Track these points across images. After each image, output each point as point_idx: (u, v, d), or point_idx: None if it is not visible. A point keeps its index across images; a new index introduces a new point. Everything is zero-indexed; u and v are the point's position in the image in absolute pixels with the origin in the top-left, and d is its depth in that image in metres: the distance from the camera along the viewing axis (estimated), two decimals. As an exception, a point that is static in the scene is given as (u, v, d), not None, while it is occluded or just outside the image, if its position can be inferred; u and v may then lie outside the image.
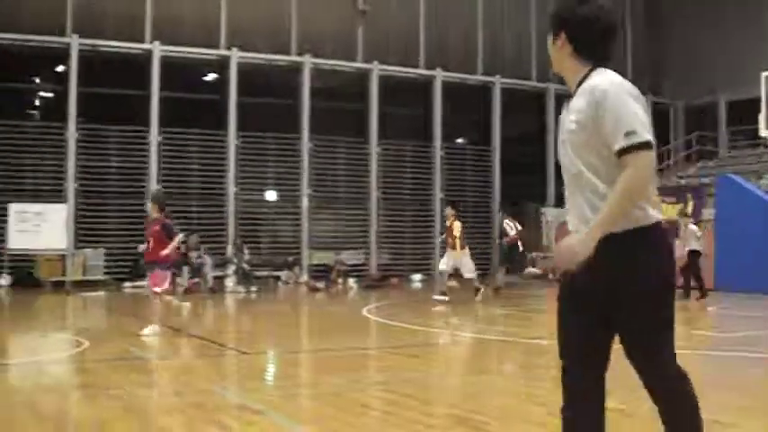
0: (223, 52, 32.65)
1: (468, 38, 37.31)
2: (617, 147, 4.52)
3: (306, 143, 33.38)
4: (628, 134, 4.49)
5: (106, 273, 29.57)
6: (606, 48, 4.90)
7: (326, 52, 34.24)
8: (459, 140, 39.46)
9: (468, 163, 37.62)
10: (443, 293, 23.15)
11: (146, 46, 31.60)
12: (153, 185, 30.63)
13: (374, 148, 34.77)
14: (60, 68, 31.69)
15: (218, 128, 32.52)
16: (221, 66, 33.16)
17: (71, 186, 29.81)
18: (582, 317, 4.85)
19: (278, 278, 31.68)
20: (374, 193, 34.70)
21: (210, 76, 34.56)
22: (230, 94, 32.40)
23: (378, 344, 16.21)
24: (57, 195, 29.52)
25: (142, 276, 29.07)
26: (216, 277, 28.95)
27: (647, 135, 4.53)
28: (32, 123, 32.02)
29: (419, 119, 37.41)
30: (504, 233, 27.09)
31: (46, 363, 13.04)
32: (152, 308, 16.15)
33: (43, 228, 27.36)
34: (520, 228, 27.43)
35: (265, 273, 31.11)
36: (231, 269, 29.55)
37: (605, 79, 4.69)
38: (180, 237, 16.79)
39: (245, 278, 29.16)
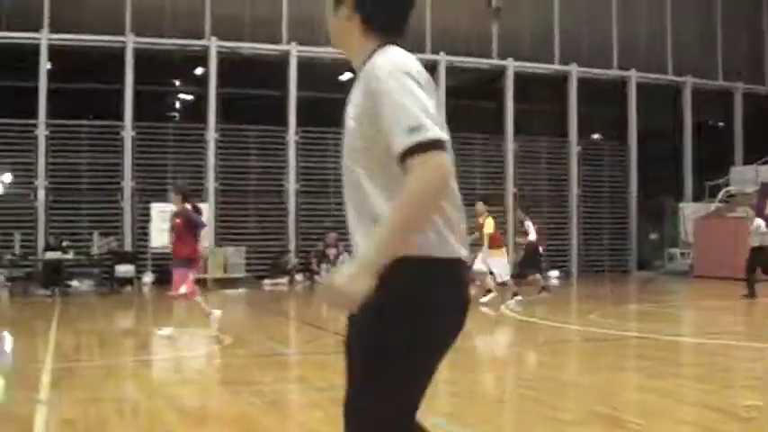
0: None
1: (602, 32, 36.85)
2: (397, 148, 3.42)
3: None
4: (412, 130, 3.41)
5: (247, 270, 29.97)
6: (403, 20, 3.87)
7: (461, 50, 34.18)
8: (595, 136, 39.00)
9: (605, 159, 37.15)
10: (489, 291, 21.97)
11: (283, 47, 31.98)
12: (291, 184, 31.03)
13: (510, 144, 34.61)
14: (200, 71, 32.28)
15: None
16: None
17: (211, 186, 30.32)
18: None
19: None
20: (510, 190, 34.52)
21: (346, 76, 34.79)
22: None
23: (516, 341, 16.15)
24: (197, 195, 30.05)
25: (282, 273, 29.56)
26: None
27: (437, 131, 3.44)
28: (173, 125, 32.68)
29: (554, 115, 37.10)
30: (524, 233, 25.70)
31: (189, 359, 13.32)
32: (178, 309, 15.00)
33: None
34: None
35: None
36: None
37: (384, 59, 3.61)
38: (206, 229, 15.14)
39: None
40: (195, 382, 10.96)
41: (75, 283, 27.58)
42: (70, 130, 29.55)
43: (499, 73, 35.00)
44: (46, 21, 29.69)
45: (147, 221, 28.48)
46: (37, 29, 29.40)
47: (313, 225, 31.15)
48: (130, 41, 30.05)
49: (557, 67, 35.91)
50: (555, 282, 31.62)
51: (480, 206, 22.15)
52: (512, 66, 34.62)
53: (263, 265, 30.40)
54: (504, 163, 34.56)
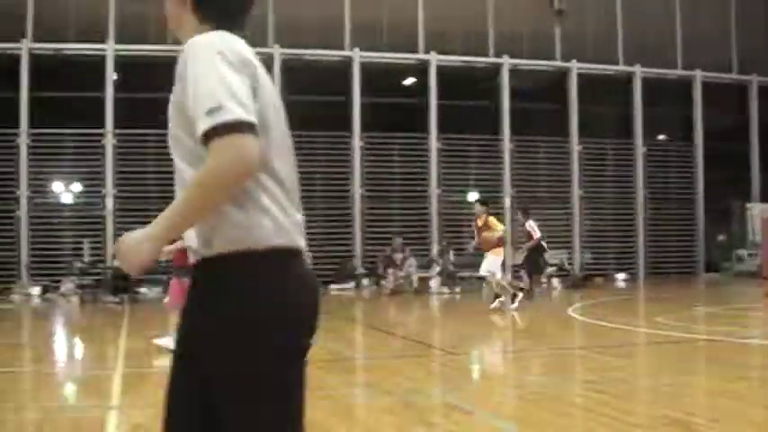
0: (422, 56, 32.90)
1: (665, 32, 36.55)
2: (198, 132, 3.17)
3: (506, 144, 33.31)
4: (211, 111, 3.13)
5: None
6: (239, 6, 3.63)
7: (524, 52, 34.10)
8: (661, 137, 38.69)
9: (671, 160, 36.83)
10: (515, 295, 21.78)
11: (346, 53, 32.13)
12: (356, 189, 31.15)
13: (575, 146, 34.44)
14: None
15: (419, 131, 32.75)
16: (420, 70, 33.41)
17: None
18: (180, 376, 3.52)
19: (481, 279, 31.64)
20: (576, 192, 34.37)
21: (409, 80, 34.86)
22: (430, 97, 32.61)
23: (584, 343, 16.06)
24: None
25: (348, 278, 29.63)
26: (420, 278, 29.14)
27: (240, 113, 3.14)
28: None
29: (619, 116, 36.86)
30: (528, 236, 25.33)
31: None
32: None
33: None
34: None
35: (468, 273, 31.13)
36: (436, 270, 29.71)
37: (198, 38, 3.36)
38: None
39: (449, 279, 29.29)
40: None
41: (143, 289, 27.86)
42: (137, 139, 29.89)
43: (563, 75, 34.84)
44: (111, 32, 30.09)
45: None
46: (103, 40, 29.83)
47: (378, 230, 31.24)
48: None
49: (621, 67, 35.67)
50: (622, 284, 31.43)
51: (478, 207, 21.81)
52: (575, 67, 34.44)
53: (329, 271, 30.51)
54: (570, 165, 34.39)
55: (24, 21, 30.06)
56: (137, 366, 12.51)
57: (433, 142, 32.47)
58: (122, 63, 30.37)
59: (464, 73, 33.99)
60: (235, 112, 3.13)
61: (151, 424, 8.29)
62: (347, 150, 31.79)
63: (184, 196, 3.23)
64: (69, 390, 11.53)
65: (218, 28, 3.43)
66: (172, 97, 3.40)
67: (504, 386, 11.04)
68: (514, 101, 33.51)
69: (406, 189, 32.47)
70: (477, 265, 30.13)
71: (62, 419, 9.02)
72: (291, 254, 3.42)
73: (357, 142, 31.66)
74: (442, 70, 32.86)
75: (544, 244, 25.04)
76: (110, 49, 29.98)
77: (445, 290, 28.49)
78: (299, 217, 3.55)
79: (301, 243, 3.51)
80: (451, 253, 30.12)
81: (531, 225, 24.45)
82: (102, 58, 30.00)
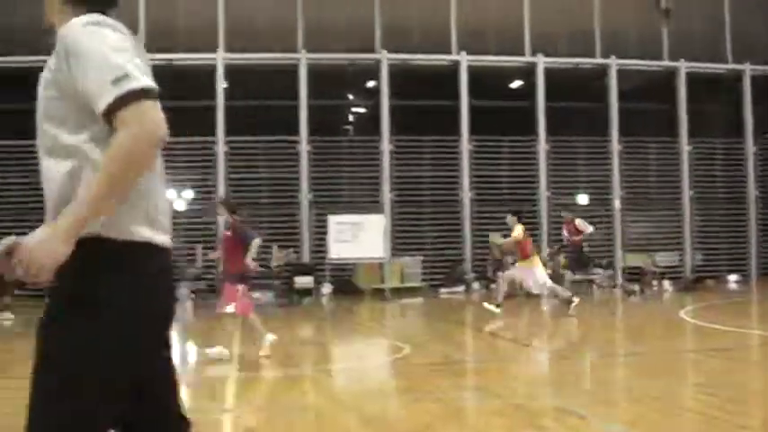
0: (529, 59, 32.76)
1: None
2: (102, 104, 3.05)
3: (615, 145, 32.96)
4: (117, 80, 3.04)
5: (423, 279, 30.16)
6: None
7: (631, 52, 33.73)
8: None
9: (786, 158, 36.13)
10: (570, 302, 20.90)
11: (453, 57, 32.15)
12: (465, 192, 31.16)
13: (684, 146, 33.96)
14: (371, 84, 32.74)
15: (527, 134, 32.63)
16: (527, 72, 33.29)
17: (387, 197, 30.65)
18: None
19: (591, 281, 31.40)
20: (686, 193, 33.90)
21: (516, 83, 34.76)
22: (538, 100, 32.46)
23: (697, 346, 15.89)
24: (373, 206, 30.46)
25: (458, 282, 29.65)
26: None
27: (148, 81, 3.13)
28: (347, 138, 33.27)
29: (729, 115, 36.26)
30: (576, 232, 24.83)
31: (369, 367, 13.56)
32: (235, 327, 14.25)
33: (362, 237, 28.38)
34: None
35: (579, 276, 30.91)
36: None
37: (76, 18, 3.25)
38: (256, 242, 13.51)
39: (559, 282, 29.12)
40: (376, 390, 11.15)
41: (256, 294, 28.18)
42: (247, 146, 30.38)
43: (671, 74, 34.41)
44: (221, 41, 30.60)
45: (324, 233, 29.05)
46: (213, 49, 30.36)
47: (488, 233, 31.19)
48: (303, 58, 30.70)
49: (730, 66, 35.10)
50: (735, 286, 30.95)
51: (509, 218, 21.36)
52: (684, 67, 33.98)
53: (439, 274, 30.57)
54: (679, 165, 33.94)
55: (137, 33, 30.73)
56: (249, 370, 12.73)
57: (542, 145, 32.31)
58: (231, 71, 30.83)
59: (571, 74, 33.75)
60: (140, 80, 3.09)
61: (264, 427, 8.49)
62: (456, 154, 31.78)
63: (97, 180, 3.04)
64: (183, 393, 11.76)
65: (91, 11, 3.32)
66: (43, 78, 3.30)
67: (615, 389, 11.01)
68: (622, 101, 33.17)
69: (515, 192, 32.34)
70: (588, 268, 29.89)
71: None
72: (153, 249, 3.37)
73: (465, 146, 31.64)
74: (549, 72, 32.67)
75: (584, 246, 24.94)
76: (220, 58, 30.47)
77: (556, 292, 28.30)
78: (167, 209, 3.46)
79: (166, 240, 3.47)
80: (561, 256, 29.94)
81: (580, 222, 24.75)
82: (213, 67, 30.52)
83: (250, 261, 13.29)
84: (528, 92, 33.08)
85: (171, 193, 30.13)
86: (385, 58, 31.18)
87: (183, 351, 15.27)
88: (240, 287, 13.43)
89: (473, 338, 17.85)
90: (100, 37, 3.16)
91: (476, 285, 30.04)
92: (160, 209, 3.42)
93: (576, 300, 20.56)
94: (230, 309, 13.49)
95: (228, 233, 13.82)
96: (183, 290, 28.25)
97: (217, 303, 14.18)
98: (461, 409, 9.40)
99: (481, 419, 8.72)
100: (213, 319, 22.60)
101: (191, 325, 23.71)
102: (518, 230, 20.68)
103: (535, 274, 20.85)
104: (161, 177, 3.48)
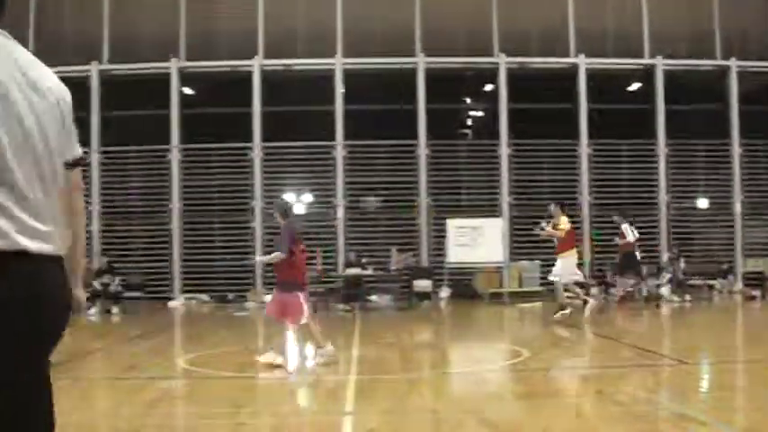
0: (648, 61, 32.32)
1: None
2: None
3: (736, 149, 32.33)
4: None
5: (542, 284, 29.93)
6: None
7: (751, 54, 33.05)
8: None
9: None
10: (585, 302, 21.08)
11: (571, 60, 31.91)
12: (584, 197, 30.91)
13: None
14: (489, 87, 32.68)
15: (646, 137, 32.22)
16: (646, 75, 32.84)
17: (505, 201, 30.56)
18: None
19: (712, 287, 30.89)
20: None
21: (634, 86, 34.32)
22: (657, 102, 32.01)
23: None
24: (492, 210, 30.44)
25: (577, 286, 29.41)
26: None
27: None
28: (465, 142, 33.29)
29: None
30: (621, 236, 24.29)
31: (488, 371, 13.55)
32: (281, 337, 13.53)
33: (480, 242, 28.36)
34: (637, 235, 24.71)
35: (699, 281, 30.43)
36: (666, 278, 29.15)
37: None
38: (277, 254, 13.35)
39: (679, 287, 28.73)
40: (495, 394, 11.14)
41: (374, 297, 28.40)
42: (366, 150, 30.60)
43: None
44: (339, 47, 30.91)
45: (443, 237, 29.09)
46: (331, 55, 30.70)
47: (607, 238, 30.84)
48: (421, 62, 30.81)
49: None
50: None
51: (553, 208, 21.32)
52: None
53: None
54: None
55: (256, 39, 31.18)
56: (370, 373, 12.81)
57: (662, 148, 31.85)
58: (349, 76, 31.08)
59: (691, 76, 33.21)
60: None
61: (385, 429, 8.53)
62: (575, 158, 31.51)
63: None
64: (304, 395, 11.93)
65: None
66: None
67: (735, 396, 10.83)
68: (744, 104, 32.51)
69: (635, 196, 31.93)
70: (705, 274, 29.44)
71: (298, 424, 9.36)
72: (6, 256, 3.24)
73: (585, 149, 31.36)
74: (668, 74, 32.17)
75: (637, 253, 24.60)
76: (338, 63, 30.77)
77: (675, 298, 27.91)
78: (23, 215, 3.32)
79: (28, 245, 3.31)
80: (682, 260, 29.54)
81: (627, 228, 24.18)
82: (331, 72, 30.84)
83: (294, 266, 13.16)
84: (647, 94, 32.63)
85: (291, 197, 30.56)
86: (503, 61, 31.12)
87: (301, 353, 15.41)
88: (298, 294, 13.23)
89: (592, 343, 17.70)
90: None
91: (595, 290, 29.64)
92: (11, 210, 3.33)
93: (567, 311, 20.41)
94: (304, 320, 13.31)
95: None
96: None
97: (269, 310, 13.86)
98: (580, 415, 9.34)
99: (601, 425, 8.65)
100: (333, 320, 22.90)
101: (309, 327, 23.96)
102: (564, 221, 20.70)
103: (565, 265, 20.75)
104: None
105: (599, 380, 12.17)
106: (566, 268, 20.78)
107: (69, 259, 3.60)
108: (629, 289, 26.17)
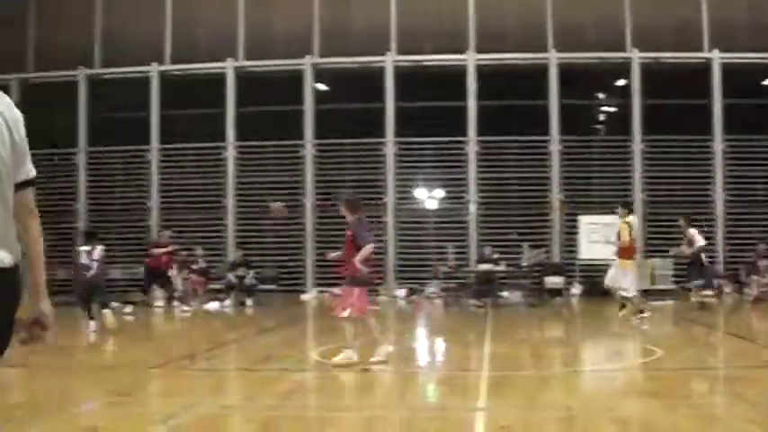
0: (706, 54, 31.29)
1: None
2: None
3: None
4: None
5: (675, 282, 29.47)
6: None
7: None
8: None
9: None
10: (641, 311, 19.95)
11: (704, 54, 31.36)
12: (718, 195, 30.39)
13: None
14: (622, 83, 32.36)
15: (699, 133, 31.15)
16: (704, 69, 31.74)
17: (639, 197, 30.21)
18: None
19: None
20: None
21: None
22: (714, 98, 30.93)
23: None
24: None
25: (709, 285, 28.95)
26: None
27: None
28: (598, 138, 33.06)
29: None
30: (690, 242, 23.33)
31: (621, 370, 13.56)
32: (347, 331, 13.21)
33: (613, 238, 28.14)
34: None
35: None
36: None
37: None
38: (369, 247, 13.15)
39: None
40: (629, 393, 11.14)
41: (505, 293, 28.44)
42: (498, 146, 30.69)
43: None
44: (471, 43, 31.05)
45: (575, 233, 28.99)
46: (463, 50, 30.89)
47: (740, 235, 30.30)
48: (553, 57, 30.75)
49: None
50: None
51: (620, 210, 20.62)
52: None
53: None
54: None
55: (388, 35, 31.51)
56: (502, 369, 12.94)
57: (718, 145, 30.91)
58: (482, 71, 31.15)
59: (750, 71, 32.07)
60: None
61: (518, 426, 8.67)
62: (709, 154, 30.96)
63: None
64: (436, 390, 12.10)
65: None
66: None
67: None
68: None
69: (708, 196, 30.92)
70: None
71: (430, 418, 9.54)
72: None
73: (719, 146, 30.80)
74: (726, 68, 31.19)
75: (703, 256, 23.77)
76: (471, 59, 30.89)
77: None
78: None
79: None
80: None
81: (693, 233, 23.30)
82: (463, 68, 30.96)
83: (359, 264, 12.93)
84: (703, 90, 31.55)
85: (422, 193, 30.78)
86: (636, 56, 30.86)
87: (433, 347, 15.60)
88: (357, 290, 13.12)
89: (725, 343, 17.52)
90: None
91: (727, 289, 29.17)
92: None
93: (647, 314, 19.81)
94: (346, 313, 13.08)
95: (349, 233, 13.30)
96: (434, 287, 28.82)
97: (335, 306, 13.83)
98: (715, 416, 9.32)
99: (734, 426, 8.62)
100: (466, 315, 23.06)
101: (441, 322, 24.18)
102: (624, 230, 20.06)
103: (620, 270, 20.24)
104: None
105: (734, 380, 12.07)
106: (630, 276, 20.26)
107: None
108: (763, 289, 25.72)
